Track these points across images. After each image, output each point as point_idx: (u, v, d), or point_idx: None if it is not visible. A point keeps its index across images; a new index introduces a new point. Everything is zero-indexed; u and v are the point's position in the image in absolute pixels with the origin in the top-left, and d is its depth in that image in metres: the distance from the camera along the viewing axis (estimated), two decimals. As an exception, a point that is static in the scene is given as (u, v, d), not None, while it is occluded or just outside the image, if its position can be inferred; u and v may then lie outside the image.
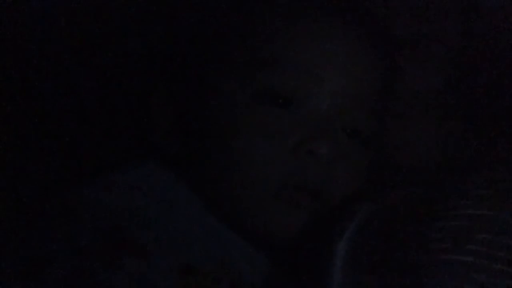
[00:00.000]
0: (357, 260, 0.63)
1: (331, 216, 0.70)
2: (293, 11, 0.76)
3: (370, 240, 0.64)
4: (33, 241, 0.67)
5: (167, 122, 0.79)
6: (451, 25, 0.85)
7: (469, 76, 0.85)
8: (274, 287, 0.72)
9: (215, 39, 0.78)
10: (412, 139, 0.84)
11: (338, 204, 0.73)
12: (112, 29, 0.88)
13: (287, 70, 0.74)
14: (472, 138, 0.84)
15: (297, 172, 0.73)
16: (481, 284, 0.58)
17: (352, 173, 0.75)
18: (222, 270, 0.70)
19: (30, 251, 0.66)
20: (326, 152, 0.73)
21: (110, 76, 0.88)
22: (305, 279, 0.67)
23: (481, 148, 0.81)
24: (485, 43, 0.84)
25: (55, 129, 0.87)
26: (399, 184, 0.74)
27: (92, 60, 0.88)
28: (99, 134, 0.88)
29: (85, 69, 0.88)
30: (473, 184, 0.65)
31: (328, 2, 0.77)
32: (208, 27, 0.79)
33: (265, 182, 0.72)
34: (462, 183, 0.66)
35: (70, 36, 0.88)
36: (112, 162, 0.80)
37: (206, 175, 0.75)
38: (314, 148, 0.73)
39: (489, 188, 0.64)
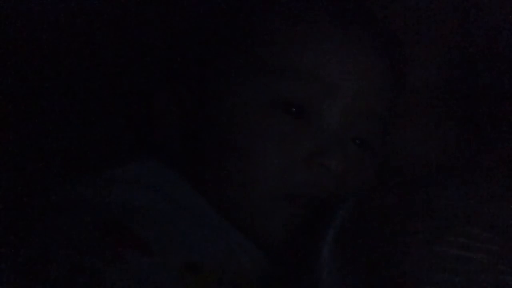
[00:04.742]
0: (344, 255, 0.64)
1: (319, 212, 0.71)
2: (307, 22, 0.76)
3: (355, 235, 0.64)
4: (33, 239, 0.67)
5: (170, 121, 0.79)
6: (450, 25, 0.85)
7: (469, 76, 0.85)
8: (275, 284, 0.72)
9: (226, 43, 0.78)
10: (411, 139, 0.84)
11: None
12: (116, 27, 0.89)
13: (301, 80, 0.74)
14: (471, 138, 0.84)
15: (308, 184, 0.73)
16: (467, 276, 0.58)
17: (361, 182, 0.76)
18: (225, 267, 0.70)
19: (30, 249, 0.66)
20: (337, 166, 0.73)
21: (114, 73, 0.88)
22: (299, 276, 0.67)
23: (481, 148, 0.81)
24: (485, 43, 0.84)
25: (57, 126, 0.87)
26: (397, 184, 0.74)
27: (97, 56, 0.88)
28: (102, 130, 0.88)
29: (90, 66, 0.87)
30: (460, 180, 0.66)
31: (341, 13, 0.77)
32: (219, 30, 0.79)
33: (273, 189, 0.73)
34: (449, 178, 0.67)
35: (72, 35, 0.88)
36: (115, 158, 0.80)
37: (210, 175, 0.75)
38: (326, 162, 0.73)
39: (477, 184, 0.64)
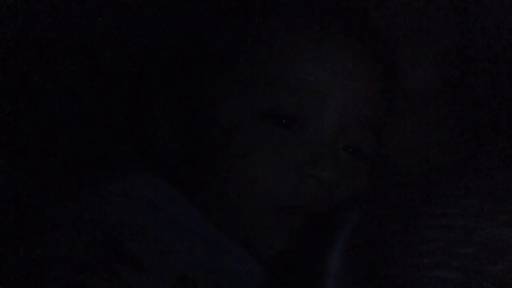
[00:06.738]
0: (350, 270, 0.63)
1: (322, 220, 0.70)
2: (296, 31, 0.76)
3: (361, 249, 0.64)
4: (29, 254, 0.67)
5: (166, 131, 0.79)
6: (450, 25, 0.85)
7: (468, 76, 0.85)
8: None
9: (219, 53, 0.78)
10: (410, 139, 0.84)
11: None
12: (115, 30, 0.88)
13: (291, 91, 0.74)
14: (471, 138, 0.84)
15: (300, 195, 0.73)
16: None
17: (353, 190, 0.76)
18: (221, 279, 0.70)
19: (26, 265, 0.66)
20: (329, 177, 0.73)
21: (113, 79, 0.88)
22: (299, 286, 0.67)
23: (481, 148, 0.81)
24: (485, 43, 0.84)
25: (52, 138, 0.87)
26: (398, 185, 0.74)
27: (91, 63, 0.88)
28: (98, 143, 0.87)
29: (84, 74, 0.87)
30: (462, 192, 0.65)
31: (330, 20, 0.77)
32: (212, 40, 0.79)
33: (266, 201, 0.73)
34: (451, 189, 0.66)
35: (70, 37, 0.87)
36: (110, 171, 0.80)
37: (205, 186, 0.75)
38: (317, 173, 0.73)
39: (477, 198, 0.64)
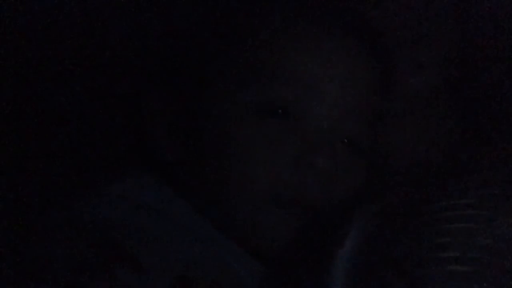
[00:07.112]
0: (360, 267, 0.63)
1: (329, 220, 0.70)
2: (292, 24, 0.77)
3: (372, 246, 0.64)
4: (29, 255, 0.67)
5: (164, 131, 0.79)
6: (450, 25, 0.85)
7: (469, 75, 0.85)
8: None
9: (214, 48, 0.78)
10: (411, 139, 0.84)
11: (336, 207, 0.74)
12: (114, 30, 0.88)
13: (287, 83, 0.74)
14: (471, 138, 0.84)
15: (296, 185, 0.74)
16: None
17: (350, 183, 0.76)
18: (220, 279, 0.71)
19: (25, 266, 0.66)
20: (325, 166, 0.73)
21: (110, 81, 0.88)
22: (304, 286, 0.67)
23: (481, 148, 0.81)
24: (485, 43, 0.84)
25: (52, 138, 0.87)
26: (398, 185, 0.74)
27: (90, 63, 0.88)
28: (97, 143, 0.87)
29: (83, 73, 0.87)
30: (474, 184, 0.65)
31: (326, 13, 0.78)
32: (211, 40, 0.79)
33: (263, 194, 0.73)
34: (462, 182, 0.66)
35: (70, 37, 0.88)
36: (109, 171, 0.80)
37: (204, 186, 0.76)
38: (313, 162, 0.73)
39: (489, 189, 0.64)
